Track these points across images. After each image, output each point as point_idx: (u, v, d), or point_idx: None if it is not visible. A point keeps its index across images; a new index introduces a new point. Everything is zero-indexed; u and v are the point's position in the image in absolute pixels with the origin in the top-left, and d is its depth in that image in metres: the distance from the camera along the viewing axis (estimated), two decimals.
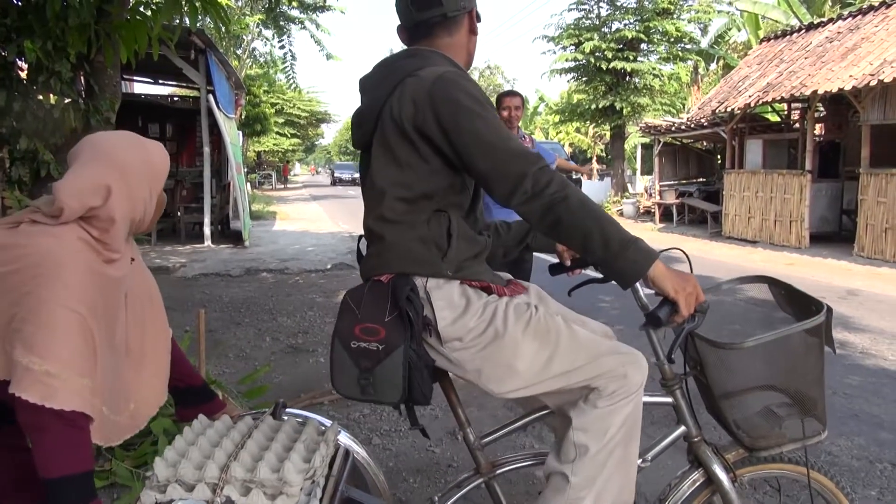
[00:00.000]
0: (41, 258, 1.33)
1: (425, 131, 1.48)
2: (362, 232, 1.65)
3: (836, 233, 11.48)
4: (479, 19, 1.71)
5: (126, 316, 1.51)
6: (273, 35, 20.51)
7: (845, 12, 12.40)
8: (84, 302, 1.34)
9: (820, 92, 9.76)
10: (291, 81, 21.47)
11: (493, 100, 5.09)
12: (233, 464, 1.27)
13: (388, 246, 1.54)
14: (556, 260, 1.91)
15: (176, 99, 13.67)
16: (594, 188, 21.48)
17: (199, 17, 4.19)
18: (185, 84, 13.17)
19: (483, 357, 1.51)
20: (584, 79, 19.31)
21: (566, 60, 19.17)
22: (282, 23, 19.78)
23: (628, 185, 20.61)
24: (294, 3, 18.81)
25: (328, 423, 1.61)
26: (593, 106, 18.68)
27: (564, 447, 1.52)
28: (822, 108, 12.17)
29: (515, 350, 1.50)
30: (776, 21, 17.69)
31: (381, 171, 1.55)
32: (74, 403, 1.28)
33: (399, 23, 1.67)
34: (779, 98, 10.84)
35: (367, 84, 1.65)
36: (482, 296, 1.56)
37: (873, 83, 8.76)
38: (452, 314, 1.51)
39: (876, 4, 11.26)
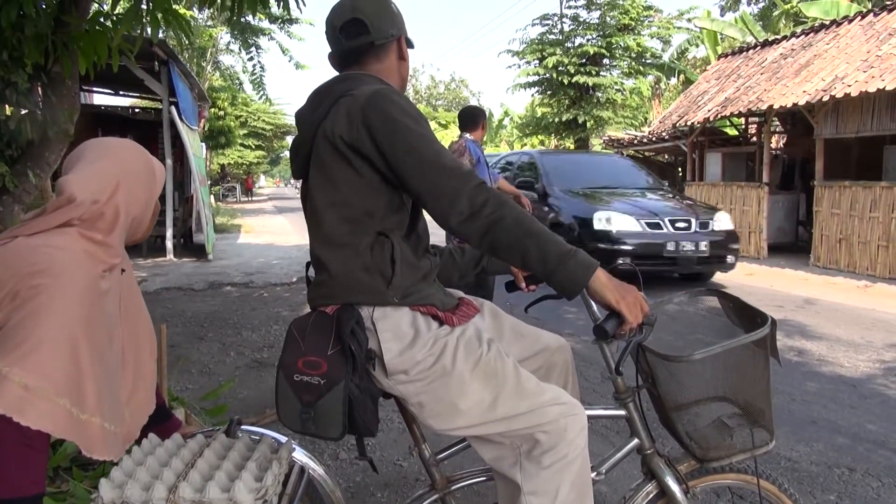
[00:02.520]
0: (44, 269, 1.30)
1: (359, 147, 1.47)
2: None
3: (793, 243, 11.78)
4: (410, 45, 1.74)
5: (121, 326, 1.49)
6: (239, 48, 20.41)
7: (798, 30, 12.79)
8: (81, 317, 1.31)
9: (775, 107, 10.03)
10: (261, 93, 21.30)
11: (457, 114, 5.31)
12: (182, 484, 1.25)
13: (333, 276, 1.52)
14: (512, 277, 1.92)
15: (137, 110, 13.45)
16: None
17: (162, 28, 4.14)
18: (146, 95, 12.98)
19: (428, 392, 1.49)
20: (548, 92, 19.54)
21: (530, 74, 19.39)
22: (248, 37, 19.67)
23: None
24: (261, 17, 18.73)
25: (283, 439, 1.59)
26: (557, 119, 18.91)
27: None
28: (777, 122, 12.51)
29: (461, 389, 1.47)
30: (733, 38, 18.17)
31: (318, 192, 1.55)
32: (42, 423, 1.23)
33: (330, 50, 1.70)
34: (736, 112, 11.11)
35: (302, 114, 1.64)
36: (432, 326, 1.53)
37: (825, 99, 9.03)
38: (399, 345, 1.49)
39: (827, 23, 11.65)
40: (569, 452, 1.46)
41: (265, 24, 19.75)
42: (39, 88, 4.42)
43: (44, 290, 1.28)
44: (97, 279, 1.38)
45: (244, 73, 24.84)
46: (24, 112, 4.24)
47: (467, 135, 5.18)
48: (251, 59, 20.09)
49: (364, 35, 1.63)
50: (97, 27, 3.99)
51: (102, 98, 13.53)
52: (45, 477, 1.31)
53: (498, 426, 1.49)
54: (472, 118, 5.27)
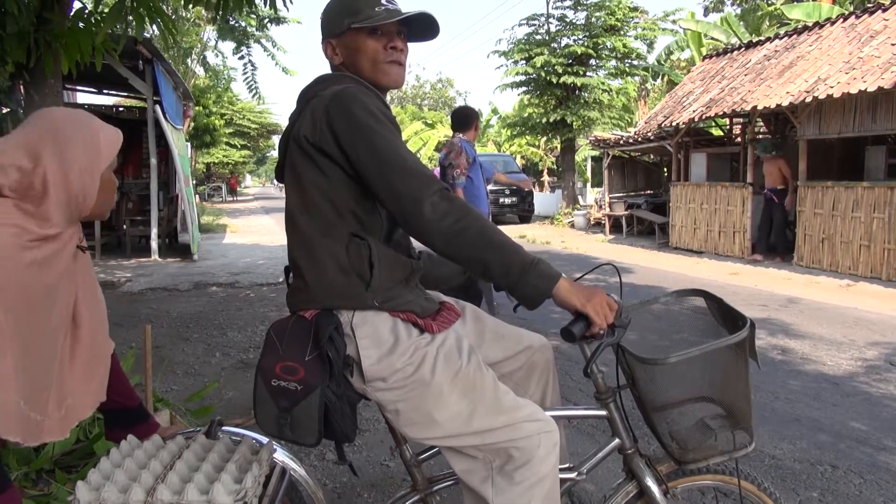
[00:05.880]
0: None
1: (323, 147, 1.46)
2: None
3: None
4: (386, 29, 1.59)
5: (77, 308, 1.45)
6: (233, 51, 20.34)
7: (782, 32, 12.88)
8: (8, 306, 1.25)
9: (759, 108, 10.10)
10: (254, 92, 21.25)
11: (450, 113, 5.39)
12: (160, 486, 1.24)
13: (309, 280, 1.51)
14: None
15: (121, 109, 13.35)
16: (546, 200, 21.78)
17: (146, 26, 4.10)
18: (131, 94, 12.88)
19: (405, 401, 1.48)
20: (535, 93, 19.59)
21: (517, 74, 19.43)
22: (238, 37, 19.62)
23: (579, 197, 20.93)
24: (250, 20, 18.70)
25: (264, 440, 1.58)
26: (544, 119, 18.96)
27: None
28: (761, 123, 12.60)
29: (439, 400, 1.46)
30: (717, 40, 18.30)
31: (291, 193, 1.54)
32: None
33: None
34: (721, 113, 11.18)
35: (290, 115, 1.64)
36: (412, 334, 1.52)
37: (808, 100, 9.11)
38: (378, 352, 1.47)
39: (810, 25, 11.75)
40: (541, 469, 1.45)
41: (253, 25, 19.72)
42: (21, 87, 4.37)
43: None
44: (20, 250, 1.32)
45: (225, 69, 24.74)
46: (5, 110, 4.20)
47: (460, 135, 5.30)
48: (241, 58, 20.05)
49: (322, 39, 1.65)
50: (80, 25, 3.96)
51: (86, 97, 13.42)
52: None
53: (473, 439, 1.48)
54: (464, 119, 5.38)
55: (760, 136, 11.99)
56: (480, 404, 1.47)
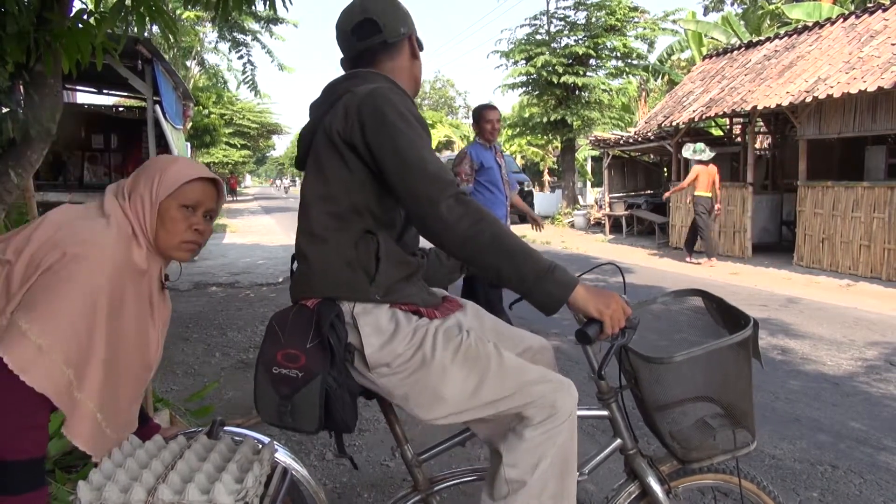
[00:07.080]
0: (85, 239, 1.34)
1: (353, 142, 1.48)
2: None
3: (776, 243, 11.88)
4: (420, 47, 1.75)
5: (154, 334, 1.51)
6: (230, 49, 20.36)
7: (782, 31, 12.88)
8: (106, 294, 1.33)
9: (759, 107, 10.10)
10: (253, 90, 21.29)
11: (472, 112, 5.11)
12: (161, 486, 1.24)
13: (316, 269, 1.52)
14: None
15: (121, 109, 13.34)
16: (546, 200, 21.78)
17: (147, 25, 4.10)
18: (130, 94, 12.86)
19: (410, 383, 1.48)
20: (535, 93, 19.58)
21: (518, 75, 19.42)
22: (237, 35, 19.65)
23: (579, 196, 20.92)
24: (248, 19, 18.72)
25: (266, 440, 1.58)
26: (544, 119, 18.95)
27: (497, 484, 1.48)
28: (761, 123, 12.60)
29: (443, 376, 1.47)
30: (717, 40, 18.29)
31: (311, 184, 1.56)
32: (45, 387, 1.25)
33: (342, 55, 1.71)
34: (721, 113, 11.18)
35: (313, 106, 1.66)
36: (412, 319, 1.53)
37: (808, 100, 9.11)
38: (380, 340, 1.48)
39: (810, 25, 11.75)
40: (554, 427, 1.46)
41: (252, 24, 19.75)
42: (21, 87, 4.36)
43: (79, 259, 1.31)
44: (140, 270, 1.42)
45: (229, 70, 24.74)
46: (5, 111, 4.19)
47: (477, 139, 4.99)
48: (241, 57, 20.07)
49: (377, 34, 1.64)
50: (80, 24, 3.95)
51: (86, 97, 13.42)
52: (47, 440, 1.30)
53: (485, 410, 1.49)
54: (473, 120, 5.05)
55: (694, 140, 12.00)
56: (487, 375, 1.48)
